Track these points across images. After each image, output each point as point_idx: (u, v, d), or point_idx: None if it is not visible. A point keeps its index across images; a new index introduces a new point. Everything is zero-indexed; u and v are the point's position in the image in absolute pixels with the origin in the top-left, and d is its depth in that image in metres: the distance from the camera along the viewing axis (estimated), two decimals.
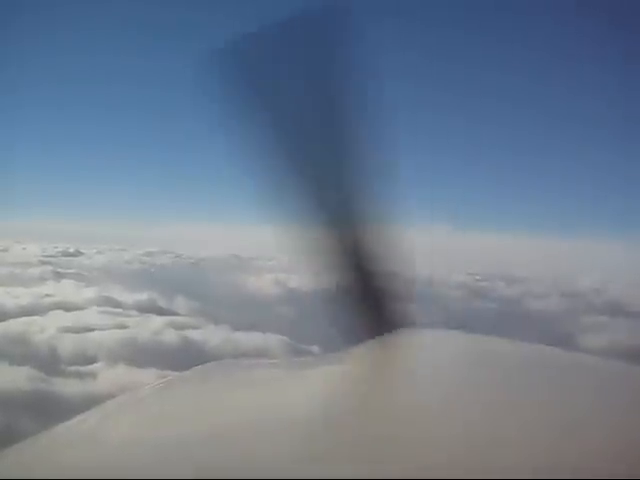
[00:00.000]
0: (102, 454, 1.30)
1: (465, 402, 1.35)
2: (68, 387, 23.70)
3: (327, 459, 1.13)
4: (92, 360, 27.72)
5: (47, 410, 19.91)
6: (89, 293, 43.86)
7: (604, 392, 1.43)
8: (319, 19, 1.92)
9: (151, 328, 33.74)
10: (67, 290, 46.04)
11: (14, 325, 32.45)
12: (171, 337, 31.76)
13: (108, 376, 24.84)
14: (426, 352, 1.89)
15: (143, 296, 44.96)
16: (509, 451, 1.12)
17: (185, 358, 24.37)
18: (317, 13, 1.94)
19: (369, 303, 2.11)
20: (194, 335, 33.47)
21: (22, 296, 40.52)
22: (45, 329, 31.97)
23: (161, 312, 40.96)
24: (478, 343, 1.93)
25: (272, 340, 31.76)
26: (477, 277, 75.66)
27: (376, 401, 1.42)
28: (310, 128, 2.00)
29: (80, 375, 25.76)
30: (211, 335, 33.92)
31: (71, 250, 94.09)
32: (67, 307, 38.29)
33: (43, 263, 69.79)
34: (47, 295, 42.14)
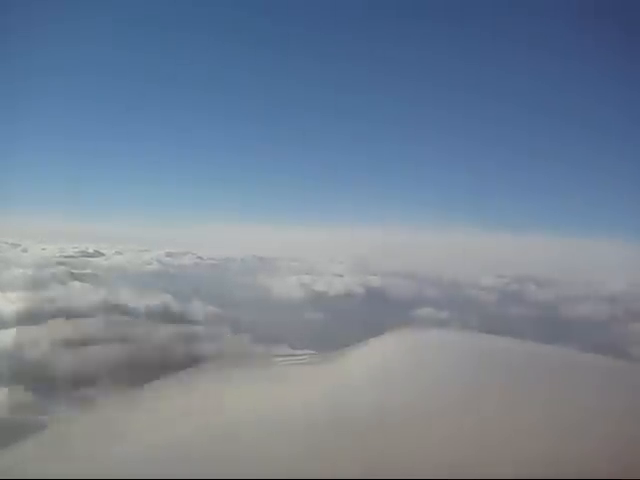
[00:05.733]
0: (103, 452, 1.47)
1: (465, 401, 1.46)
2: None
3: (326, 458, 1.25)
4: (88, 382, 23.80)
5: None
6: (96, 298, 40.29)
7: (606, 391, 1.54)
8: None
9: (159, 340, 29.93)
10: (74, 294, 42.51)
11: (6, 336, 28.82)
12: (180, 352, 27.81)
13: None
14: (426, 351, 1.95)
15: (155, 301, 41.39)
16: (509, 451, 1.24)
17: None
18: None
19: None
20: (207, 350, 29.43)
21: (23, 301, 37.01)
22: (39, 341, 28.29)
23: (174, 319, 37.31)
24: (478, 342, 2.10)
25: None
26: (506, 280, 72.27)
27: (376, 400, 1.50)
28: None
29: (73, 400, 21.86)
30: (228, 349, 29.92)
31: (90, 250, 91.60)
32: (70, 314, 34.72)
33: (59, 264, 66.85)
34: (50, 300, 38.56)
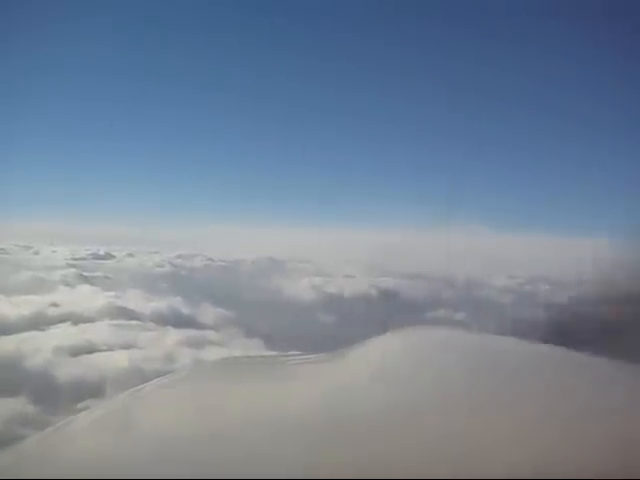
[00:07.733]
0: (104, 452, 1.40)
1: (464, 401, 1.38)
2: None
3: (327, 458, 1.18)
4: (90, 392, 22.72)
5: None
6: (104, 302, 39.30)
7: (604, 391, 1.46)
8: None
9: (166, 347, 28.86)
10: (81, 298, 41.55)
11: (7, 343, 27.85)
12: (187, 361, 26.70)
13: None
14: (427, 351, 1.89)
15: (164, 304, 40.43)
16: (509, 451, 1.18)
17: None
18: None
19: None
20: (217, 354, 28.29)
21: (29, 305, 36.09)
22: (42, 349, 27.25)
23: (182, 323, 36.27)
24: (481, 342, 1.92)
25: None
26: (519, 280, 70.57)
27: (376, 400, 1.44)
28: None
29: (73, 413, 20.80)
30: (239, 352, 28.73)
31: (101, 253, 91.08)
32: (75, 319, 33.70)
33: (69, 266, 66.23)
34: (55, 305, 37.56)
